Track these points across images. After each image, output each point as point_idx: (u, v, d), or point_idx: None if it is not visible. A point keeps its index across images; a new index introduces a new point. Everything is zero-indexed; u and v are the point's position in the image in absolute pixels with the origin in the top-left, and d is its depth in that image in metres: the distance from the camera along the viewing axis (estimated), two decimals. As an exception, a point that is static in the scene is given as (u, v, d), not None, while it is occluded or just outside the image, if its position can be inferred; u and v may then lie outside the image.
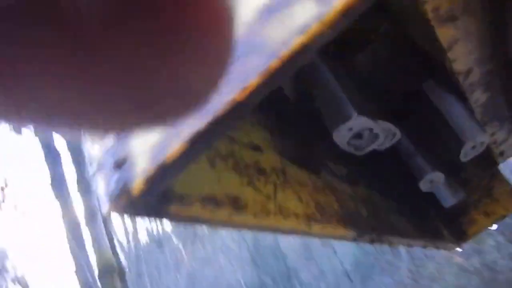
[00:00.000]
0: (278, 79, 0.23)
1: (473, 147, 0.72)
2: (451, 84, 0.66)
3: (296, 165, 0.57)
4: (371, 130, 0.53)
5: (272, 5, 0.24)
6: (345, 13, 0.23)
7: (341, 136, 0.51)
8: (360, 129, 0.52)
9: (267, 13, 0.24)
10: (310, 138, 0.60)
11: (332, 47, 0.71)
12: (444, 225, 1.06)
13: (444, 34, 0.49)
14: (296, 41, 0.23)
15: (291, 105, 0.63)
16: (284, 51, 0.23)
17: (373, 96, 0.69)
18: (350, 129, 0.51)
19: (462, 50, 0.53)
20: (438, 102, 0.69)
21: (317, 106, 0.52)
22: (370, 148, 0.56)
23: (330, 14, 0.22)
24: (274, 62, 0.23)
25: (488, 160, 0.98)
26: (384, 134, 0.64)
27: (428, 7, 0.45)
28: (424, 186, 0.84)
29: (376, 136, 0.55)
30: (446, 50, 0.52)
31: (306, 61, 0.24)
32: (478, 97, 0.68)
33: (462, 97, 0.68)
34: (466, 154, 0.72)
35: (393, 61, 0.68)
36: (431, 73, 0.70)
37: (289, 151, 0.57)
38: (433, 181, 0.86)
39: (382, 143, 0.67)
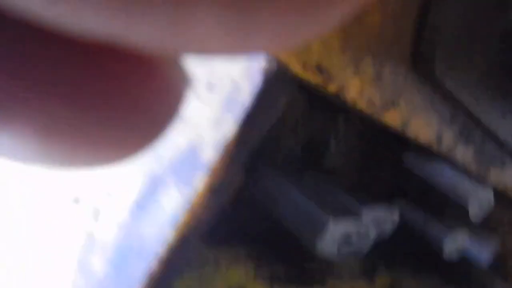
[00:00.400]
0: (165, 282, 0.21)
1: (480, 206, 0.66)
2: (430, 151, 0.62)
3: (292, 285, 0.52)
4: (357, 231, 0.49)
5: (140, 200, 0.22)
6: (212, 191, 0.20)
7: (327, 248, 0.47)
8: (344, 233, 0.48)
9: (138, 209, 0.22)
10: (302, 253, 0.55)
11: (296, 160, 0.70)
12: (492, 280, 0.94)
13: (391, 119, 0.47)
14: (171, 237, 0.20)
15: (276, 229, 0.60)
16: (162, 251, 0.20)
17: (358, 187, 0.65)
18: (332, 237, 0.47)
19: (419, 124, 0.51)
20: (425, 173, 0.64)
21: (291, 228, 0.48)
22: (367, 247, 0.51)
23: (196, 199, 0.20)
24: (154, 265, 0.20)
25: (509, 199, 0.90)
26: (376, 225, 0.59)
27: (362, 104, 0.43)
28: (451, 251, 0.76)
29: (366, 233, 0.50)
30: (403, 132, 0.50)
31: (191, 251, 0.21)
32: (463, 153, 0.64)
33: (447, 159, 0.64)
34: (476, 214, 0.66)
35: (363, 148, 0.66)
36: (406, 146, 0.66)
37: (281, 273, 0.52)
38: (458, 243, 0.78)
39: (382, 232, 0.61)
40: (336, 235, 0.47)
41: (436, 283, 0.85)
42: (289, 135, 0.65)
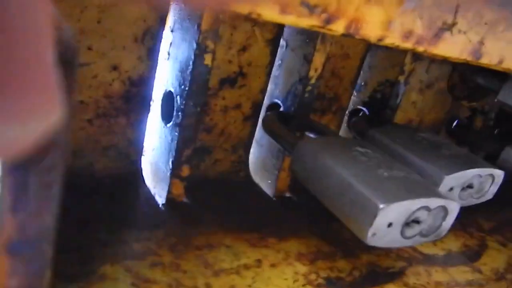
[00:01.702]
0: None
1: None
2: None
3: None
4: (425, 207, 0.36)
5: None
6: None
7: (382, 238, 0.35)
8: (406, 218, 0.35)
9: None
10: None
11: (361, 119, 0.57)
12: None
13: (450, 47, 0.32)
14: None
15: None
16: None
17: (442, 144, 0.50)
18: (389, 224, 0.34)
19: (499, 47, 0.34)
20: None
21: (340, 215, 0.37)
22: (448, 224, 0.38)
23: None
24: None
25: None
26: (468, 187, 0.44)
27: (394, 39, 0.29)
28: None
29: (443, 208, 0.37)
30: (475, 61, 0.34)
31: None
32: None
33: None
34: None
35: (442, 90, 0.50)
36: (501, 77, 0.49)
37: (341, 273, 0.42)
38: None
39: (480, 195, 0.46)
40: (394, 222, 0.34)
41: None
42: (348, 92, 0.52)
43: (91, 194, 0.42)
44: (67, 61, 0.11)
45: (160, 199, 0.44)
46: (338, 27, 0.27)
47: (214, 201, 0.48)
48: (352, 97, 0.58)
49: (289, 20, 0.26)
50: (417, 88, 0.59)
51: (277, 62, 0.51)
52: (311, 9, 0.26)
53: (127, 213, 0.41)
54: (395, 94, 0.55)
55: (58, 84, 0.09)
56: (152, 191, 0.46)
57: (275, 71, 0.52)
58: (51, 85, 0.09)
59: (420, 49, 0.31)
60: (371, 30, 0.28)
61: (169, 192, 0.44)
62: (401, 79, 0.54)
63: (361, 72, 0.56)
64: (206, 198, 0.48)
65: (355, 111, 0.59)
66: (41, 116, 0.08)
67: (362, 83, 0.56)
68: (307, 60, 0.47)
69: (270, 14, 0.25)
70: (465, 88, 0.54)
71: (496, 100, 0.49)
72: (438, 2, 0.30)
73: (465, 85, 0.54)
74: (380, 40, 0.29)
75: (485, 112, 0.61)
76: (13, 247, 0.13)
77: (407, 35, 0.30)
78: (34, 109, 0.08)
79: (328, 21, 0.27)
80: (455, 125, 0.64)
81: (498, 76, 0.50)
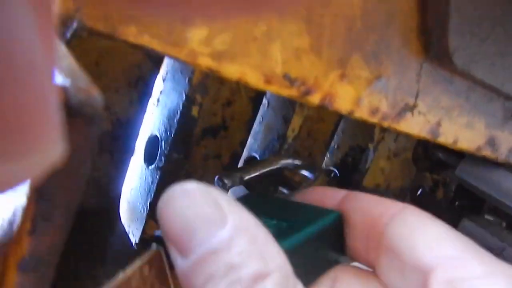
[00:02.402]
0: None
1: None
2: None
3: None
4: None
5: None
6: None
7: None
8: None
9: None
10: None
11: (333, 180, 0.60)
12: None
13: (411, 126, 0.37)
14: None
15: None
16: None
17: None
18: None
19: (453, 129, 0.39)
20: (488, 186, 0.51)
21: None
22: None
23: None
24: None
25: None
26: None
27: (362, 114, 0.34)
28: None
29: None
30: (432, 139, 0.39)
31: None
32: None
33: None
34: None
35: (407, 162, 0.54)
36: (460, 155, 0.54)
37: None
38: None
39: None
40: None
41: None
42: (322, 153, 0.56)
43: (66, 227, 0.43)
44: (90, 125, 0.14)
45: (134, 238, 0.46)
46: (314, 99, 0.31)
47: (185, 245, 0.49)
48: (326, 158, 0.62)
49: (272, 89, 0.29)
50: (385, 155, 0.63)
51: (258, 118, 0.55)
52: (292, 82, 0.30)
53: (100, 248, 0.42)
54: (364, 159, 0.59)
55: (59, 123, 0.09)
56: (127, 229, 0.47)
57: (255, 126, 0.55)
58: (51, 122, 0.09)
59: (385, 124, 0.35)
60: (343, 104, 0.33)
61: (143, 232, 0.45)
62: (371, 146, 0.58)
63: (335, 135, 0.60)
64: (178, 241, 0.49)
65: (326, 172, 0.63)
66: (39, 153, 0.08)
67: (335, 146, 0.61)
68: (286, 120, 0.52)
69: (256, 82, 0.29)
70: (427, 160, 0.59)
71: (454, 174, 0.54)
72: (401, 86, 0.34)
73: (427, 158, 0.58)
74: (350, 113, 0.33)
75: (446, 184, 0.66)
76: (23, 266, 0.15)
77: (374, 111, 0.34)
78: (32, 146, 0.08)
79: (306, 93, 0.31)
80: (419, 194, 0.68)
81: (457, 153, 0.55)
